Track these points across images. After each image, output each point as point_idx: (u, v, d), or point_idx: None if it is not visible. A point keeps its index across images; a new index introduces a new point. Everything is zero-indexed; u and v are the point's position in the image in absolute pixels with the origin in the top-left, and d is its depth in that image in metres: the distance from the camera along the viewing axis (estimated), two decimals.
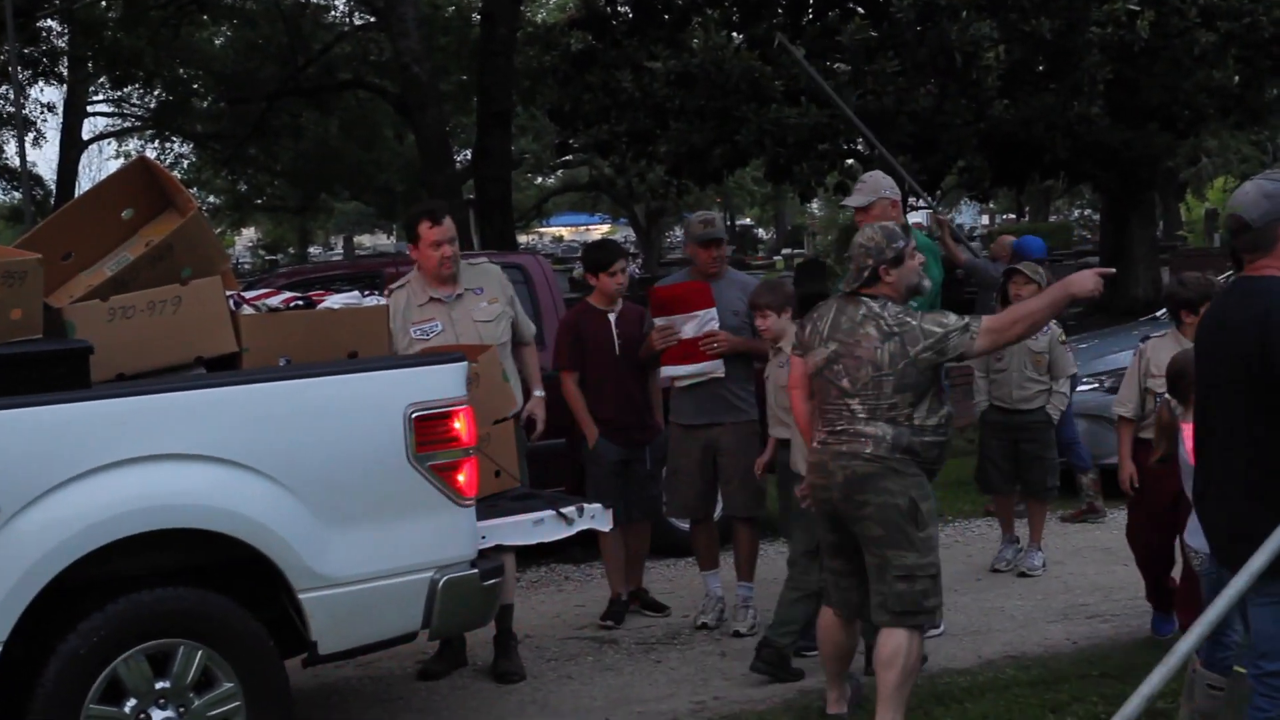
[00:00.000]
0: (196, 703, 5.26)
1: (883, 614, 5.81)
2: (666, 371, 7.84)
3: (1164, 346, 7.26)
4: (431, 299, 7.18)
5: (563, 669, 7.40)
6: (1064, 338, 9.16)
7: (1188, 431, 5.75)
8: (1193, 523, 5.80)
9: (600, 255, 8.24)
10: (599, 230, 71.58)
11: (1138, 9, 16.19)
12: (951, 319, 5.80)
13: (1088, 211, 57.80)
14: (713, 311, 7.68)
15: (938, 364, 5.81)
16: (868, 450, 5.74)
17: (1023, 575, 8.88)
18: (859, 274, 5.90)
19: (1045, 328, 8.91)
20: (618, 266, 8.05)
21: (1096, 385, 11.15)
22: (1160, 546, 7.26)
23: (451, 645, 7.34)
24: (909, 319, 5.78)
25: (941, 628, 7.29)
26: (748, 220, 67.92)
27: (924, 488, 5.83)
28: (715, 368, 7.69)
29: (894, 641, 5.79)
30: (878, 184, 7.51)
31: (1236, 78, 17.63)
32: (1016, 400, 8.96)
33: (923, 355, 5.72)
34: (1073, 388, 9.53)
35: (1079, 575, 8.90)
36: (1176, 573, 7.31)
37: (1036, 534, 9.09)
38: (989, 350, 6.14)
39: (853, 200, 7.61)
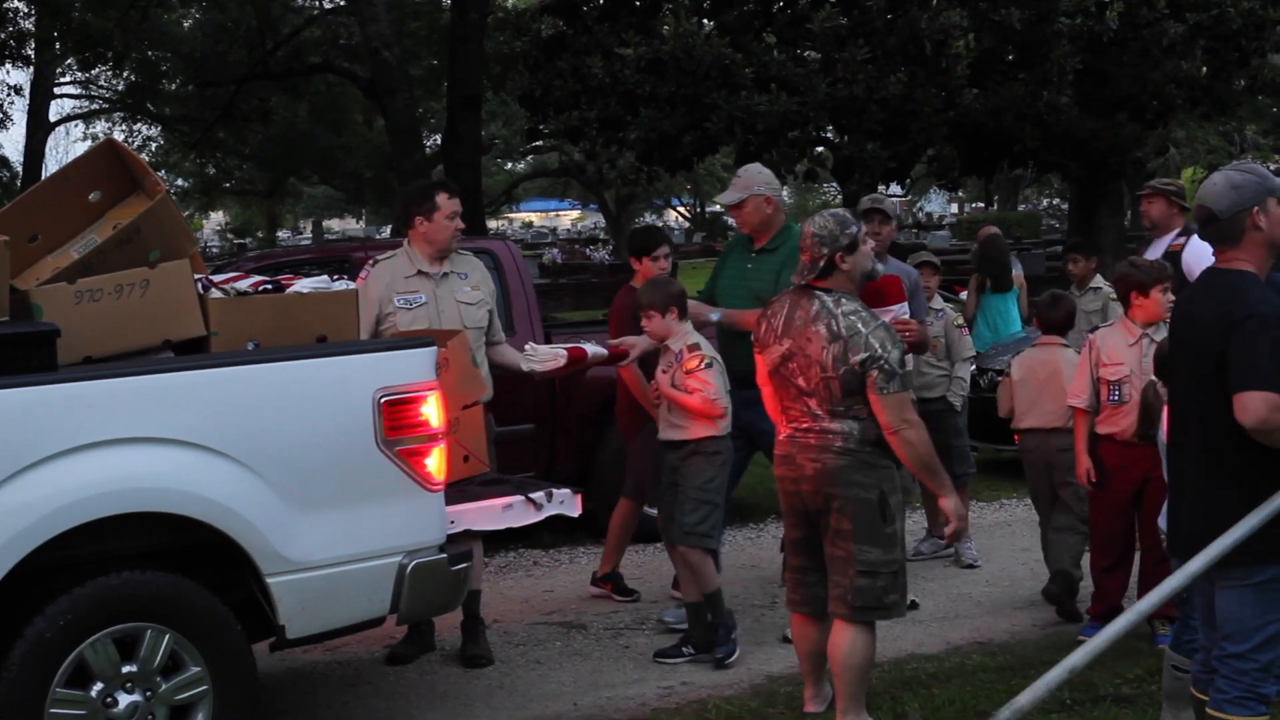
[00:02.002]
0: (164, 686, 5.26)
1: (841, 607, 5.74)
2: None
3: (1113, 335, 7.29)
4: (419, 272, 7.24)
5: (531, 654, 7.41)
6: (959, 322, 9.06)
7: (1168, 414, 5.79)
8: (1166, 506, 5.85)
9: (645, 240, 8.20)
10: (568, 216, 71.48)
11: (1107, 0, 16.24)
12: (893, 353, 5.61)
13: (1056, 201, 58.04)
14: (905, 305, 7.49)
15: None
16: (838, 444, 5.68)
17: (968, 566, 8.88)
18: (814, 265, 5.77)
19: (940, 312, 8.93)
20: (661, 251, 7.98)
21: None
22: (1123, 534, 7.29)
23: (419, 630, 7.35)
24: (860, 325, 5.64)
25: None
26: (717, 207, 67.96)
27: (893, 480, 5.78)
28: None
29: (847, 640, 5.73)
30: (751, 179, 7.44)
31: (1204, 69, 17.68)
32: (919, 388, 8.69)
33: (857, 368, 5.61)
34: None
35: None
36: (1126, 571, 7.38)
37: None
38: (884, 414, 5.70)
39: (725, 197, 7.51)
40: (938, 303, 9.06)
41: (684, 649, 7.17)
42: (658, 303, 7.10)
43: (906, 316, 7.47)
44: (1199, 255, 7.94)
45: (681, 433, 7.11)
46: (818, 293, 5.77)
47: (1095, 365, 7.25)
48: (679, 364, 7.06)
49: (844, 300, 5.73)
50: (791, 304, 5.85)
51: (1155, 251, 8.58)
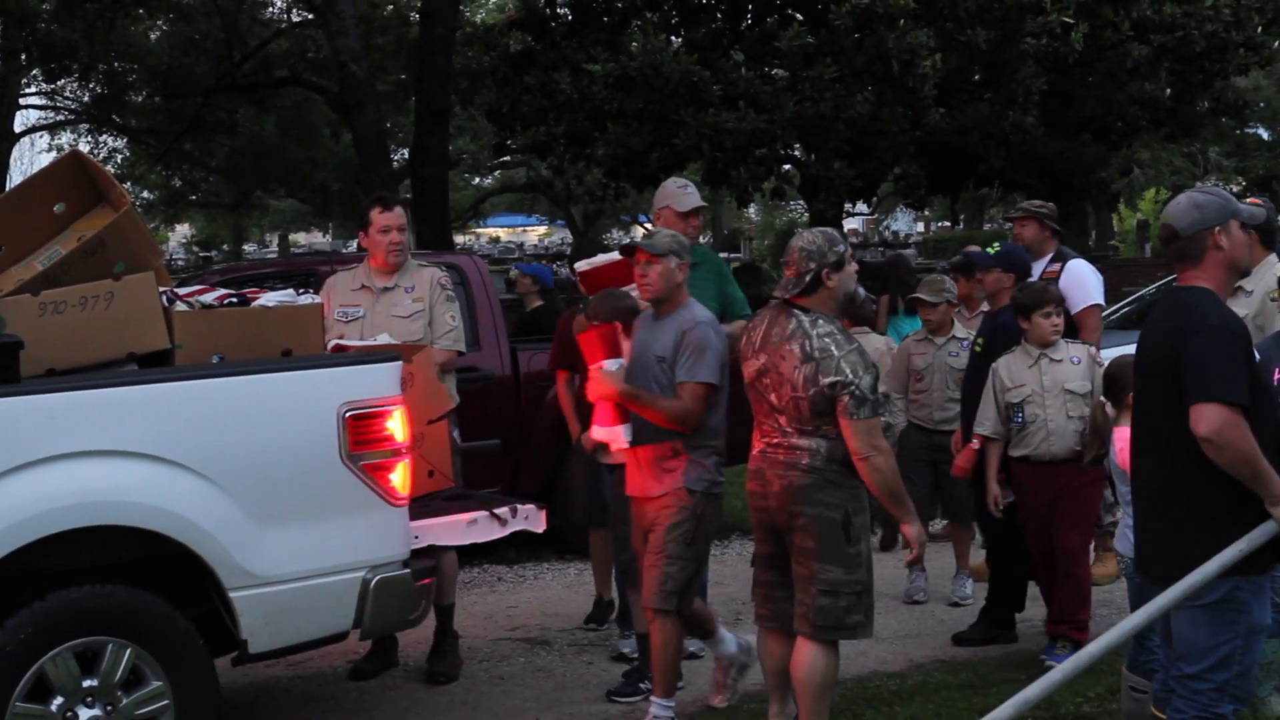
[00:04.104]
0: (125, 701, 5.23)
1: (803, 625, 5.72)
2: (596, 434, 6.34)
3: (1014, 359, 7.32)
4: (363, 286, 7.30)
5: (494, 670, 7.40)
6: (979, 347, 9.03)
7: (1118, 435, 5.82)
8: (1121, 528, 5.87)
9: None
10: (536, 231, 71.40)
11: (1072, 21, 16.34)
12: (865, 379, 5.58)
13: None
14: (619, 361, 6.13)
15: None
16: (804, 461, 5.67)
17: (954, 605, 8.53)
18: (799, 279, 5.74)
19: (964, 342, 8.82)
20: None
21: None
22: (1050, 545, 7.27)
23: (383, 645, 7.32)
24: (833, 348, 5.61)
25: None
26: None
27: (860, 500, 5.76)
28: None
29: (809, 658, 5.71)
30: (698, 193, 7.49)
31: (1168, 90, 17.83)
32: (939, 421, 8.68)
33: (826, 391, 5.60)
34: None
35: None
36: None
37: (964, 559, 8.74)
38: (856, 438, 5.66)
39: (694, 201, 7.34)
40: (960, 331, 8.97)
41: (641, 685, 6.85)
42: (602, 316, 6.71)
43: (617, 368, 6.14)
44: (1076, 281, 7.91)
45: (609, 456, 6.87)
46: (796, 311, 5.75)
47: (1000, 392, 7.29)
48: None
49: (821, 321, 5.71)
50: (770, 320, 5.84)
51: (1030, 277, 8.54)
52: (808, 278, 5.73)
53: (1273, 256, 7.49)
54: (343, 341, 6.80)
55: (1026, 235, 8.33)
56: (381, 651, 7.35)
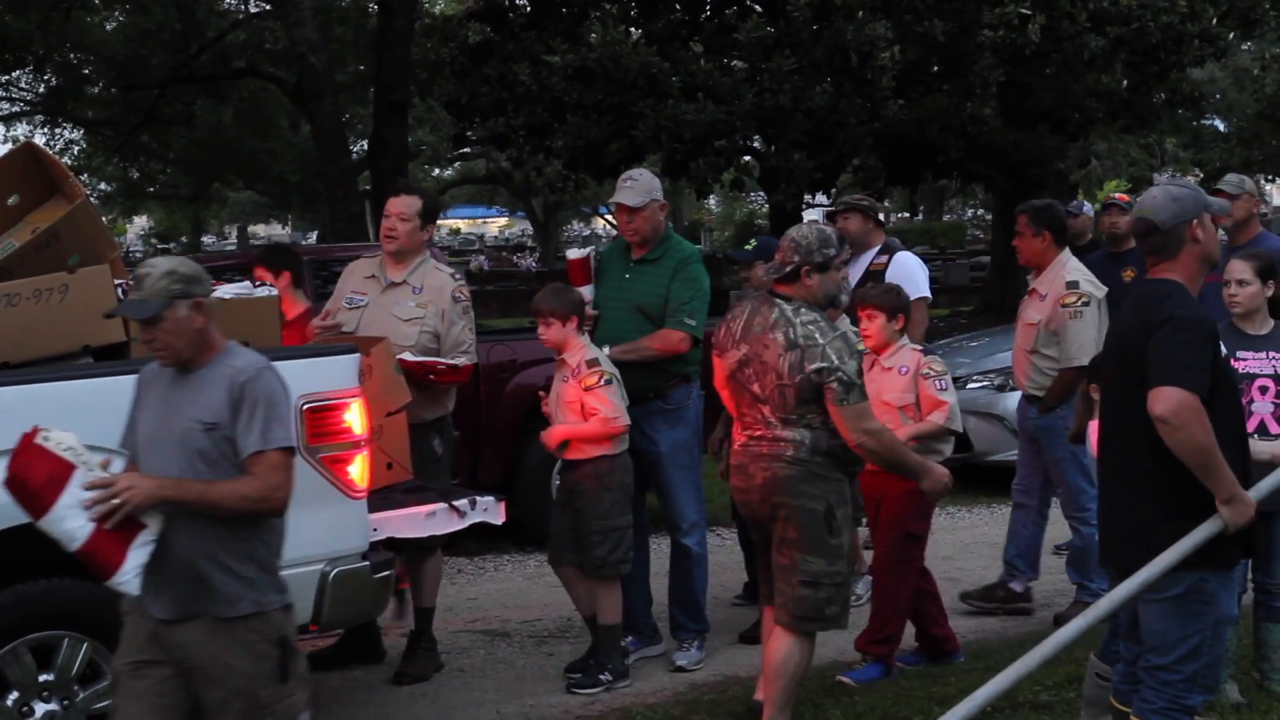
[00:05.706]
0: (81, 695, 5.22)
1: (783, 615, 5.78)
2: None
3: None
4: (374, 275, 7.15)
5: (454, 662, 7.38)
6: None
7: (1093, 428, 5.83)
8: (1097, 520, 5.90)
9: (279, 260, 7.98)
10: (496, 223, 71.31)
11: (1029, 13, 16.41)
12: (850, 364, 5.65)
13: (980, 211, 58.52)
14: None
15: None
16: (789, 453, 5.71)
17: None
18: (780, 267, 5.84)
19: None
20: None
21: (986, 383, 11.29)
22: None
23: (351, 637, 7.26)
24: (818, 335, 5.67)
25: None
26: None
27: (843, 493, 5.82)
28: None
29: (784, 648, 5.76)
30: (650, 183, 7.24)
31: (1125, 82, 17.93)
32: None
33: (813, 378, 5.65)
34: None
35: (967, 570, 9.02)
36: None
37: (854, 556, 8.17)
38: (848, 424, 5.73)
39: (626, 198, 7.14)
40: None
41: (601, 677, 6.91)
42: (557, 311, 6.78)
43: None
44: (903, 274, 7.87)
45: (577, 452, 6.87)
46: (778, 300, 5.82)
47: None
48: (576, 379, 6.80)
49: (803, 310, 5.77)
50: (752, 310, 5.89)
51: (856, 270, 8.37)
52: (788, 269, 5.82)
53: (1064, 254, 7.60)
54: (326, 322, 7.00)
55: (851, 228, 8.26)
56: (343, 644, 7.31)
